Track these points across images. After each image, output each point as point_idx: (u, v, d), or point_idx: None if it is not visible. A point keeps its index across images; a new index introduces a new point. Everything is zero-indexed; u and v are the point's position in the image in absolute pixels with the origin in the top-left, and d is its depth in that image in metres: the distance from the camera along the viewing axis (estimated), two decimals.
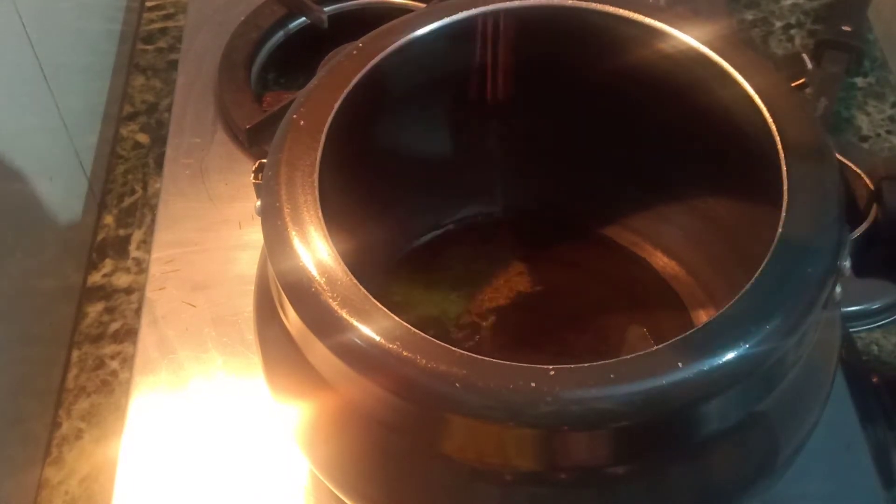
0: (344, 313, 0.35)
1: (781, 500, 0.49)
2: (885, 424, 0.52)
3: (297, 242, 0.37)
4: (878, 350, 0.58)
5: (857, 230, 0.39)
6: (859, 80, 0.73)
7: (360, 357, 0.35)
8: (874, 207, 0.38)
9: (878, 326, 0.59)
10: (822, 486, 0.50)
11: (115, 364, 0.59)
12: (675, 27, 0.44)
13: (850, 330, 0.58)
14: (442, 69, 0.49)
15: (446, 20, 0.45)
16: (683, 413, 0.35)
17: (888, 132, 0.70)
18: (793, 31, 0.76)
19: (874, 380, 0.55)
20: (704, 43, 0.44)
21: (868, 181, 0.39)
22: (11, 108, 0.56)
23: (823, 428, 0.46)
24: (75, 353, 0.59)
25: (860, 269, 0.40)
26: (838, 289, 0.39)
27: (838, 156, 0.40)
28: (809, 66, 0.67)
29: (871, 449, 0.51)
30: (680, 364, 0.33)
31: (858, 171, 0.40)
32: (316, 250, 0.37)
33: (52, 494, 0.54)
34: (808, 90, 0.67)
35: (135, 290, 0.62)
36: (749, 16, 0.78)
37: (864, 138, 0.69)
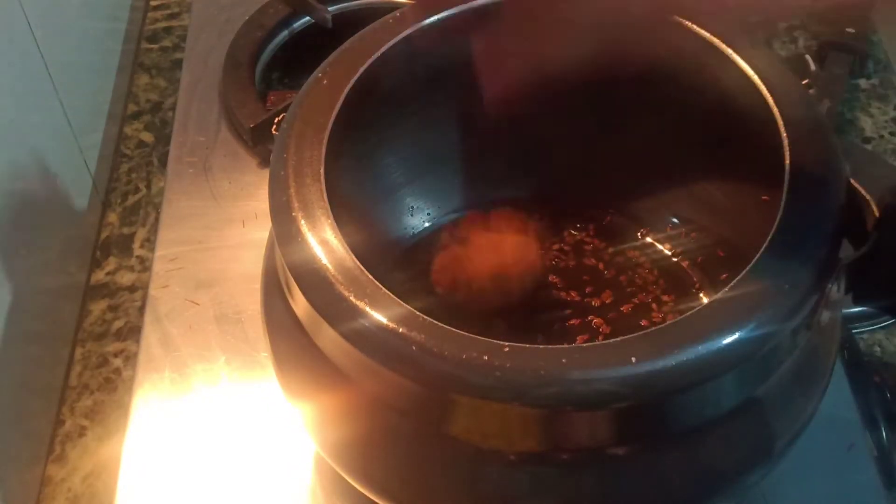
0: (352, 298, 0.36)
1: (783, 499, 0.49)
2: (887, 425, 0.53)
3: (295, 198, 0.39)
4: (881, 351, 0.58)
5: (852, 255, 0.39)
6: (863, 82, 0.73)
7: (370, 340, 0.35)
8: (874, 235, 0.38)
9: (881, 328, 0.59)
10: (824, 486, 0.50)
11: (118, 362, 0.59)
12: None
13: (853, 331, 0.58)
14: (452, 58, 0.49)
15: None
16: (681, 395, 0.35)
17: (891, 133, 0.70)
18: (796, 33, 0.77)
19: (876, 380, 0.55)
20: (711, 32, 0.44)
21: (875, 207, 0.39)
22: (16, 107, 0.56)
23: (825, 428, 0.46)
24: (79, 351, 0.60)
25: (857, 295, 0.40)
26: (839, 283, 0.39)
27: (852, 181, 0.40)
28: (813, 67, 0.68)
29: (873, 449, 0.51)
30: (678, 347, 0.34)
31: (868, 196, 0.40)
32: (323, 233, 0.38)
33: (56, 491, 0.54)
34: (811, 91, 0.67)
35: (138, 288, 0.62)
36: (752, 17, 0.78)
37: (868, 140, 0.69)
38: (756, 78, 0.43)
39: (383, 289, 0.36)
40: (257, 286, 0.45)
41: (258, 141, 0.65)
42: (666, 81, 0.48)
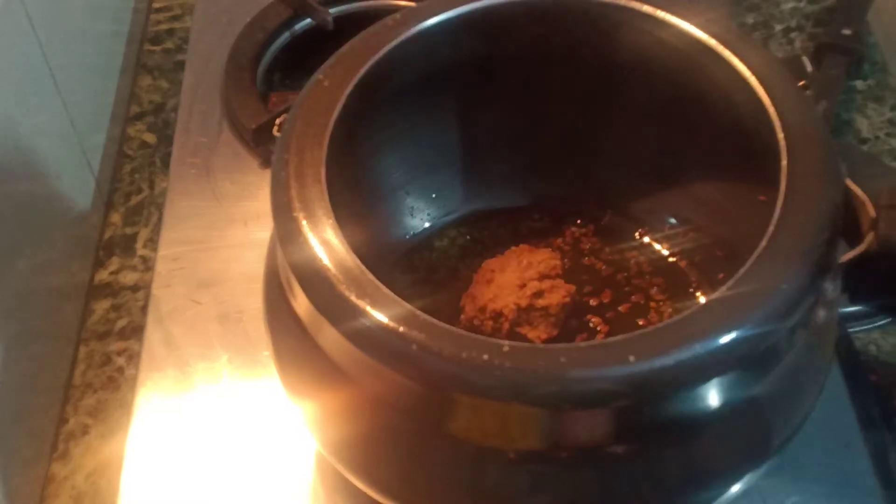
0: (353, 298, 0.36)
1: (781, 498, 0.49)
2: (883, 424, 0.53)
3: (297, 197, 0.39)
4: (877, 350, 0.58)
5: (847, 254, 0.39)
6: (859, 84, 0.73)
7: (371, 340, 0.35)
8: (870, 235, 0.39)
9: (877, 327, 0.59)
10: (821, 485, 0.50)
11: (121, 360, 0.59)
12: (680, 17, 0.45)
13: (849, 330, 0.58)
14: (452, 60, 0.50)
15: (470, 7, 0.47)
16: (679, 394, 0.36)
17: (887, 135, 0.70)
18: (793, 35, 0.77)
19: (872, 379, 0.55)
20: (709, 33, 0.45)
21: (871, 208, 0.39)
22: (20, 108, 0.56)
23: (822, 428, 0.47)
24: (82, 350, 0.60)
25: (853, 294, 0.41)
26: (835, 282, 0.39)
27: (848, 182, 0.40)
28: (809, 69, 0.68)
29: (869, 449, 0.51)
30: (676, 346, 0.34)
31: (864, 197, 0.40)
32: (324, 233, 0.38)
33: (59, 489, 0.54)
34: (808, 93, 0.68)
35: (141, 288, 0.62)
36: (750, 19, 0.78)
37: (864, 141, 0.70)
38: (753, 79, 0.43)
39: (384, 288, 0.36)
40: (259, 286, 0.46)
41: (260, 142, 0.65)
42: (664, 83, 0.48)
